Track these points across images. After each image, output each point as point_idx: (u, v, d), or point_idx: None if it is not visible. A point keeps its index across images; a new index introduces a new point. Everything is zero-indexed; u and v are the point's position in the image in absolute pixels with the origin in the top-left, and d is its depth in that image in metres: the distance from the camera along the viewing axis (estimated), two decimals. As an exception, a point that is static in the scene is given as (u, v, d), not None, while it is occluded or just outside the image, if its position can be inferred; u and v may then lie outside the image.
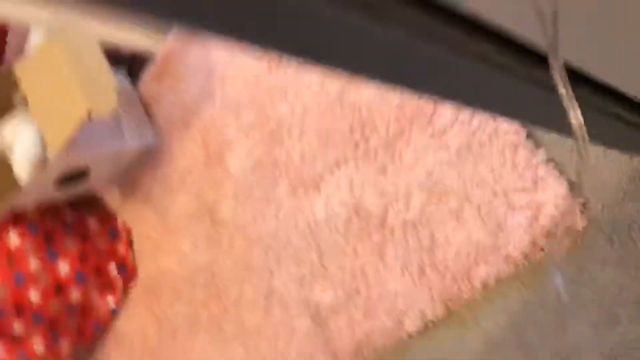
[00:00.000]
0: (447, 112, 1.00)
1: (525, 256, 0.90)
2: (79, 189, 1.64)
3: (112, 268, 1.70)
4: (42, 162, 1.42)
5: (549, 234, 0.87)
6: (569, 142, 0.86)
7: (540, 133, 0.89)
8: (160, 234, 1.61)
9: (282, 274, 1.27)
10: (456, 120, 0.98)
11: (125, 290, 1.71)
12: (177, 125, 1.55)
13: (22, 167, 1.42)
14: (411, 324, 1.03)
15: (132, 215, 1.71)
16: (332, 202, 1.19)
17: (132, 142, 1.57)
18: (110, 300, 1.72)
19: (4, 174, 1.46)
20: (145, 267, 1.66)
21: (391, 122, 1.09)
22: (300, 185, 1.25)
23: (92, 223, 1.74)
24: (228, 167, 1.43)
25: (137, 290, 1.68)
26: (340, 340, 1.14)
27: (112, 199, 1.77)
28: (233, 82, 1.42)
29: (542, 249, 0.88)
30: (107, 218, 1.76)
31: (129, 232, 1.73)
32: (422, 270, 1.03)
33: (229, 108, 1.42)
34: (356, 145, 1.15)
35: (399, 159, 1.08)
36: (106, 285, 1.71)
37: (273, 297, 1.29)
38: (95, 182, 1.65)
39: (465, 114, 0.97)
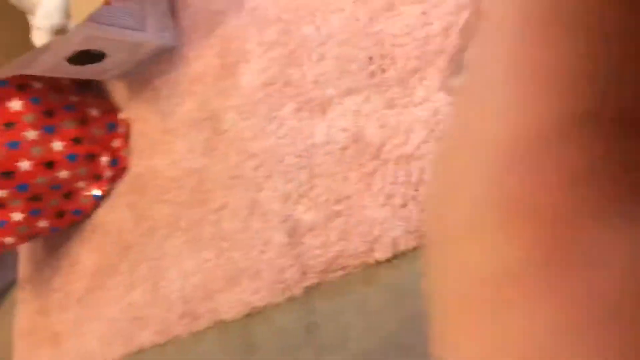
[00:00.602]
0: (468, 52, 1.02)
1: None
2: (89, 72, 1.65)
3: (104, 159, 1.73)
4: (61, 32, 1.43)
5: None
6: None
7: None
8: (159, 135, 1.63)
9: (270, 189, 1.30)
10: (473, 66, 1.01)
11: (113, 183, 1.74)
12: (198, 31, 1.56)
13: (40, 32, 1.43)
14: (382, 251, 1.07)
15: (134, 112, 1.73)
16: (334, 128, 1.21)
17: (152, 37, 1.58)
18: (96, 190, 1.75)
19: (22, 35, 1.47)
20: (137, 164, 1.68)
21: (411, 58, 1.11)
22: (307, 108, 1.28)
23: (94, 110, 1.75)
24: (239, 80, 1.44)
25: (123, 185, 1.70)
26: (312, 257, 1.18)
27: (119, 92, 1.78)
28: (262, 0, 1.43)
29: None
30: (109, 109, 1.78)
31: (127, 128, 1.75)
32: (404, 203, 1.06)
33: (254, 22, 1.44)
34: (371, 75, 1.17)
35: (409, 95, 1.10)
36: (95, 175, 1.73)
37: (255, 210, 1.32)
38: (107, 70, 1.67)
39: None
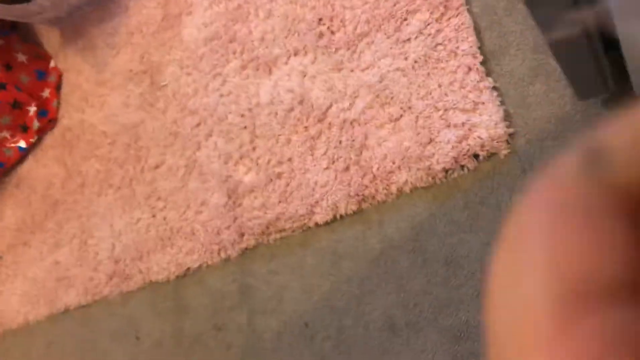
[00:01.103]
0: (416, 22, 1.01)
1: (445, 171, 0.95)
2: (16, 13, 1.52)
3: (32, 109, 1.61)
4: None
5: (472, 155, 0.92)
6: (520, 75, 0.90)
7: (496, 62, 0.93)
8: (93, 87, 1.54)
9: (210, 148, 1.26)
10: (422, 32, 1.00)
11: (40, 135, 1.63)
12: (141, -22, 1.47)
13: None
14: (321, 215, 1.06)
15: (67, 62, 1.62)
16: (280, 88, 1.18)
17: (88, -21, 1.48)
18: (22, 141, 1.63)
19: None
20: (67, 117, 1.58)
21: (361, 21, 1.09)
22: (252, 66, 1.24)
23: (21, 56, 1.63)
24: (182, 33, 1.38)
25: (52, 138, 1.60)
26: (250, 219, 1.15)
27: (51, 39, 1.66)
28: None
29: (463, 168, 0.93)
30: (39, 56, 1.65)
31: (59, 78, 1.64)
32: (346, 167, 1.06)
33: (202, -28, 1.37)
34: (320, 36, 1.14)
35: (357, 59, 1.09)
36: (20, 125, 1.62)
37: (194, 169, 1.28)
38: (37, 12, 1.54)
39: (433, 27, 0.99)
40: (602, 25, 0.65)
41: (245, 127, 1.22)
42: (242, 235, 1.17)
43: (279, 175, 1.15)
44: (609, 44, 0.69)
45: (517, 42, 0.90)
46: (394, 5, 1.05)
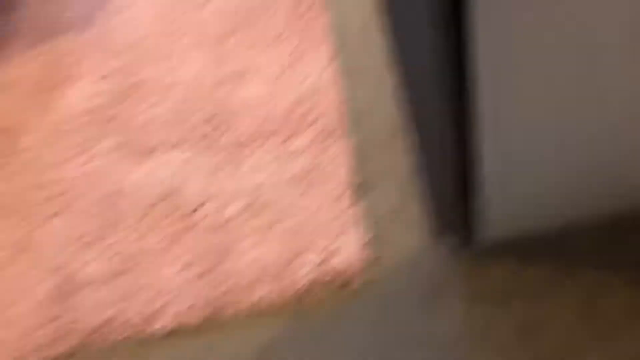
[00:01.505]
0: (300, 143, 1.03)
1: (302, 292, 0.90)
2: None
3: None
4: None
5: (330, 279, 0.89)
6: (387, 207, 0.93)
7: (366, 192, 0.95)
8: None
9: (53, 227, 1.12)
10: (303, 153, 1.02)
11: None
12: (32, 35, 1.39)
13: None
14: (163, 322, 0.94)
15: None
16: (151, 178, 1.11)
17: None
18: None
19: None
20: None
21: (248, 131, 1.09)
22: (127, 150, 1.16)
23: None
24: (60, 100, 1.29)
25: None
26: (79, 317, 0.99)
27: None
28: (121, 23, 1.34)
29: (319, 290, 0.90)
30: None
31: None
32: (203, 274, 0.97)
33: (100, 47, 1.32)
34: (204, 136, 1.12)
35: (237, 165, 1.06)
36: None
37: (29, 248, 1.11)
38: None
39: (314, 151, 1.01)
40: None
41: (100, 213, 1.10)
42: (65, 335, 0.99)
43: (125, 271, 1.02)
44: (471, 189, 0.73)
45: (388, 177, 0.94)
46: (283, 123, 1.06)
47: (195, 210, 1.04)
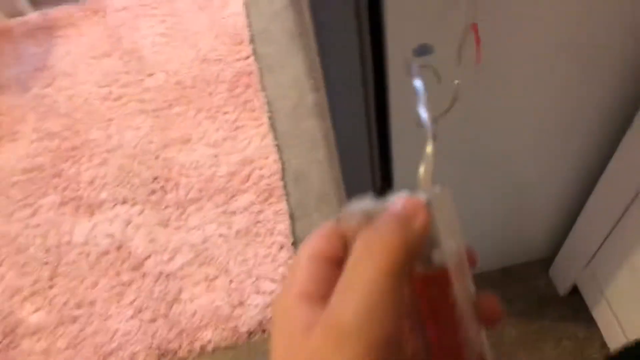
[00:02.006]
0: (243, 200, 1.18)
1: (249, 334, 1.03)
2: None
3: None
4: None
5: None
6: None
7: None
8: None
9: (-5, 279, 1.14)
10: (247, 209, 1.17)
11: None
12: (-34, 94, 1.42)
13: None
14: (116, 365, 1.02)
15: None
16: (98, 231, 1.19)
17: None
18: None
19: None
20: None
21: (194, 189, 1.22)
22: (73, 205, 1.23)
23: None
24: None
25: None
26: (25, 364, 1.03)
27: None
28: (63, 87, 1.42)
29: (264, 332, 1.04)
30: None
31: None
32: (154, 319, 1.06)
33: (39, 108, 1.39)
34: (152, 192, 1.23)
35: (184, 220, 1.19)
36: None
37: (-35, 300, 1.12)
38: None
39: (257, 207, 1.17)
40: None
41: (46, 263, 1.16)
42: (9, 383, 1.02)
43: (74, 319, 1.08)
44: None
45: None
46: (227, 182, 1.22)
47: (144, 261, 1.14)
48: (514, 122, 0.69)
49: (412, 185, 0.25)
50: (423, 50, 0.52)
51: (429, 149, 0.24)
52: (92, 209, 1.22)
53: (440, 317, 0.24)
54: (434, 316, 0.24)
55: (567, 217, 0.90)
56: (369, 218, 0.23)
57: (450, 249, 0.23)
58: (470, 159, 0.76)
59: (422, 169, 0.25)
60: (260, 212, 1.17)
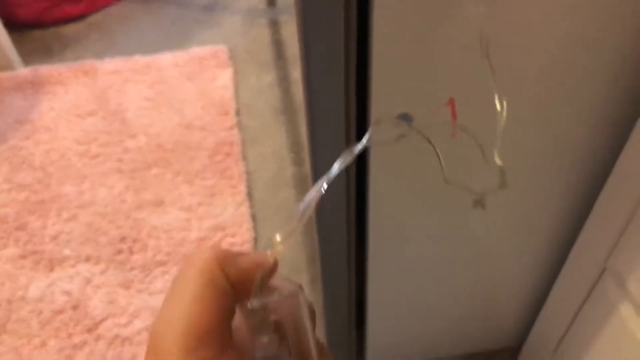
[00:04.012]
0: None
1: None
2: None
3: None
4: None
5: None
6: None
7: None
8: None
9: None
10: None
11: None
12: (-60, 138, 1.40)
13: None
14: None
15: None
16: (56, 288, 1.13)
17: None
18: None
19: None
20: None
21: (161, 252, 1.19)
22: (33, 259, 1.18)
23: None
24: (-38, 205, 1.28)
25: None
26: None
27: None
28: (40, 142, 1.41)
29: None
30: None
31: None
32: (103, 386, 0.99)
33: (11, 160, 1.38)
34: (118, 252, 1.19)
35: (148, 282, 1.14)
36: None
37: None
38: None
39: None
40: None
41: (-5, 319, 1.09)
42: None
43: (14, 382, 1.00)
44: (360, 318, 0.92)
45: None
46: (196, 247, 1.20)
47: (102, 322, 1.08)
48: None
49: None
50: (403, 119, 0.55)
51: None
52: (53, 264, 1.18)
53: None
54: None
55: (534, 304, 0.91)
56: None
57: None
58: (438, 236, 0.78)
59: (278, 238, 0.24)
60: (228, 280, 1.14)
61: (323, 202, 0.72)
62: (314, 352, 0.23)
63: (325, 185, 0.24)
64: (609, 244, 0.61)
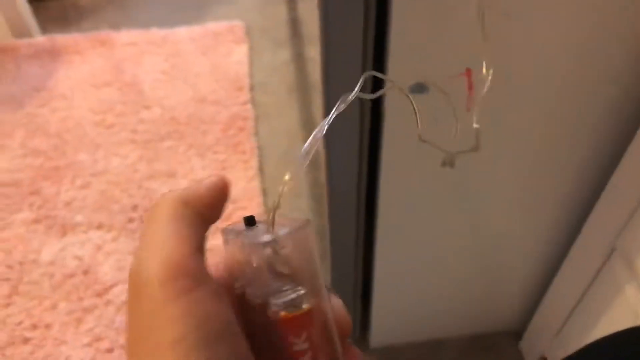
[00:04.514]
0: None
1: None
2: None
3: None
4: None
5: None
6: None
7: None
8: None
9: (-51, 290, 1.09)
10: (223, 248, 1.16)
11: None
12: (-42, 102, 1.42)
13: None
14: (62, 394, 0.95)
15: None
16: (67, 253, 1.16)
17: None
18: None
19: None
20: None
21: (172, 221, 1.21)
22: (47, 223, 1.21)
23: None
24: (-22, 168, 1.31)
25: None
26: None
27: None
28: (56, 109, 1.43)
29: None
30: None
31: None
32: (111, 349, 1.01)
33: (29, 125, 1.39)
34: (130, 220, 1.21)
35: (158, 251, 1.16)
36: None
37: None
38: None
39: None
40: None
41: (7, 279, 1.11)
42: (-58, 401, 0.95)
43: (26, 341, 1.03)
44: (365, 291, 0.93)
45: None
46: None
47: (110, 288, 1.10)
48: (492, 178, 0.71)
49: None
50: (418, 89, 0.55)
51: (287, 176, 0.23)
52: (65, 229, 1.20)
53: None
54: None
55: (538, 288, 0.91)
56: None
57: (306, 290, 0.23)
58: (445, 215, 0.78)
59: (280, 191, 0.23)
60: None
61: (334, 177, 0.72)
62: (324, 288, 0.23)
63: (325, 127, 0.24)
64: (619, 224, 0.61)
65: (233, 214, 1.22)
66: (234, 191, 1.26)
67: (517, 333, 1.01)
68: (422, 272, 0.89)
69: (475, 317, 1.00)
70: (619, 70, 0.58)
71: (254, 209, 1.22)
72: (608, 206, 0.64)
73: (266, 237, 0.23)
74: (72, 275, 1.12)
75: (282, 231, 0.23)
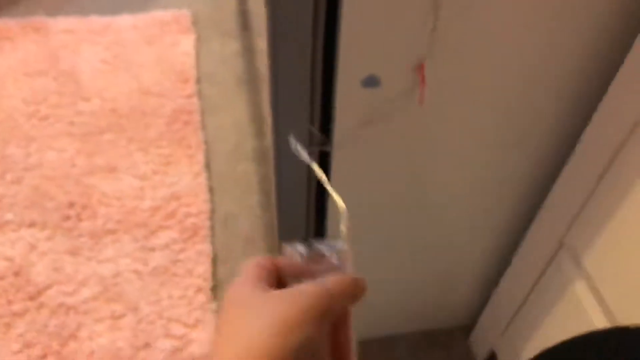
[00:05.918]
0: (164, 236, 1.12)
1: (152, 380, 0.94)
2: None
3: None
4: None
5: (183, 367, 0.95)
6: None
7: (223, 291, 1.07)
8: None
9: None
10: (167, 246, 1.11)
11: None
12: None
13: None
14: (-12, 407, 0.88)
15: None
16: (-4, 253, 1.07)
17: None
18: None
19: None
20: None
21: (112, 219, 1.15)
22: (-29, 222, 1.11)
23: None
24: None
25: None
26: None
27: None
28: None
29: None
30: None
31: None
32: (43, 355, 0.95)
33: (-44, 115, 1.29)
34: (65, 218, 1.14)
35: (97, 251, 1.10)
36: None
37: None
38: None
39: (178, 246, 1.11)
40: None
41: None
42: None
43: (-53, 349, 0.94)
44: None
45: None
46: (150, 217, 1.15)
47: (45, 290, 1.03)
48: (444, 173, 0.71)
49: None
50: (371, 82, 0.53)
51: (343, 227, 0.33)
52: (-6, 228, 1.11)
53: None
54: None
55: (489, 284, 0.92)
56: (310, 260, 0.31)
57: None
58: (395, 211, 0.77)
59: (342, 227, 0.33)
60: (181, 250, 1.11)
61: (283, 181, 0.70)
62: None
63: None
64: (567, 220, 0.61)
65: (177, 210, 1.17)
66: (179, 187, 1.21)
67: (467, 329, 1.02)
68: (373, 269, 0.88)
69: (427, 313, 1.00)
70: (574, 67, 0.58)
71: (200, 205, 1.17)
72: (557, 202, 0.65)
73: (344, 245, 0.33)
74: (1, 278, 1.04)
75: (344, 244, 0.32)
